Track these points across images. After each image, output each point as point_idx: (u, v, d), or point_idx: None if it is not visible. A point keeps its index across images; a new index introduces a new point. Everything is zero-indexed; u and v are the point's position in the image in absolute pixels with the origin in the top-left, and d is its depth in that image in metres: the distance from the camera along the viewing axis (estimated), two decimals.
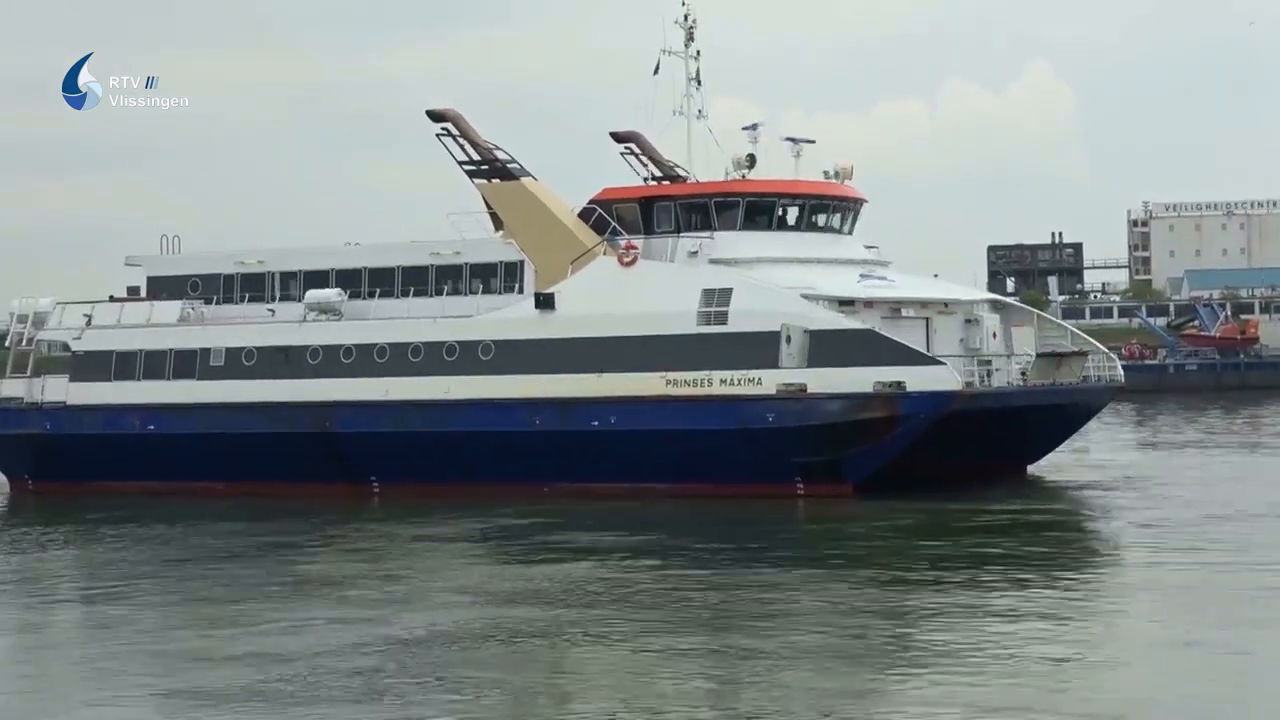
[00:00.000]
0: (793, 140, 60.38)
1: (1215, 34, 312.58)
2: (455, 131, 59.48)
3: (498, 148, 59.65)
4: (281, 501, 55.89)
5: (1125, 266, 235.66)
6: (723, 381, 53.75)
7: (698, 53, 59.89)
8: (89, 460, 62.92)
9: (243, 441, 60.27)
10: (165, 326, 63.31)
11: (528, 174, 59.32)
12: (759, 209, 57.35)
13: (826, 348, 52.87)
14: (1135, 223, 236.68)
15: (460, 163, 59.63)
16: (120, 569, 42.58)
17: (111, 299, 67.37)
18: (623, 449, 54.63)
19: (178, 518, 53.03)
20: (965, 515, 48.00)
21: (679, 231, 56.83)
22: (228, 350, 61.52)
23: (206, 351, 61.91)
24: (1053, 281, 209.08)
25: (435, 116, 59.84)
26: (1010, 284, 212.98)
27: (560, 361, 55.96)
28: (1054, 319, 64.06)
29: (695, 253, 56.02)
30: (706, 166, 59.50)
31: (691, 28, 59.77)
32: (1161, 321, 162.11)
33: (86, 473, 62.66)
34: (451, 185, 60.89)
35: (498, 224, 59.74)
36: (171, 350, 62.60)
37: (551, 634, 30.93)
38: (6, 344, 68.16)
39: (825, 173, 59.64)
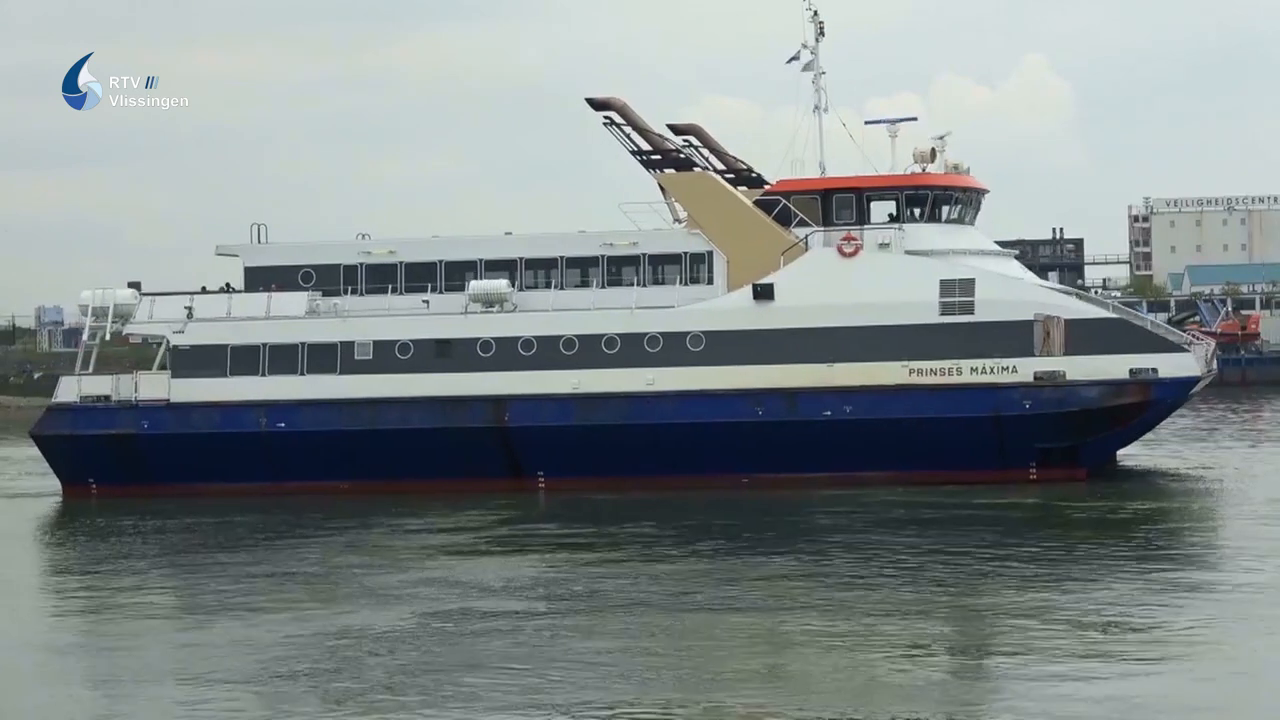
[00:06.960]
0: (939, 138, 60.29)
1: (1215, 27, 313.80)
2: (620, 120, 58.68)
3: (666, 137, 58.88)
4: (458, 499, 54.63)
5: (1126, 262, 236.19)
6: (974, 370, 54.80)
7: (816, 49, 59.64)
8: (192, 461, 59.03)
9: (395, 438, 57.78)
10: (292, 319, 59.85)
11: (701, 164, 58.66)
12: (941, 202, 58.06)
13: (1082, 336, 54.43)
14: (1136, 218, 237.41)
15: (631, 152, 58.90)
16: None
17: (204, 290, 64.56)
18: (853, 438, 54.88)
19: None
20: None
21: (861, 223, 57.04)
22: (375, 343, 58.78)
23: (350, 345, 58.93)
24: (1053, 277, 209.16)
25: (598, 105, 58.88)
26: None
27: (784, 352, 55.90)
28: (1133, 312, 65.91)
29: (886, 244, 56.47)
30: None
31: (822, 23, 59.64)
32: (1162, 317, 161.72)
33: (184, 475, 58.71)
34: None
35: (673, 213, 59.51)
36: (303, 344, 59.38)
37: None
38: (84, 337, 63.29)
39: (955, 166, 59.81)
